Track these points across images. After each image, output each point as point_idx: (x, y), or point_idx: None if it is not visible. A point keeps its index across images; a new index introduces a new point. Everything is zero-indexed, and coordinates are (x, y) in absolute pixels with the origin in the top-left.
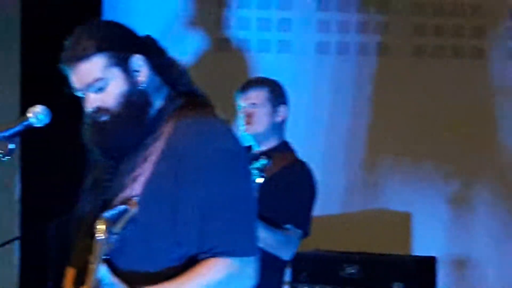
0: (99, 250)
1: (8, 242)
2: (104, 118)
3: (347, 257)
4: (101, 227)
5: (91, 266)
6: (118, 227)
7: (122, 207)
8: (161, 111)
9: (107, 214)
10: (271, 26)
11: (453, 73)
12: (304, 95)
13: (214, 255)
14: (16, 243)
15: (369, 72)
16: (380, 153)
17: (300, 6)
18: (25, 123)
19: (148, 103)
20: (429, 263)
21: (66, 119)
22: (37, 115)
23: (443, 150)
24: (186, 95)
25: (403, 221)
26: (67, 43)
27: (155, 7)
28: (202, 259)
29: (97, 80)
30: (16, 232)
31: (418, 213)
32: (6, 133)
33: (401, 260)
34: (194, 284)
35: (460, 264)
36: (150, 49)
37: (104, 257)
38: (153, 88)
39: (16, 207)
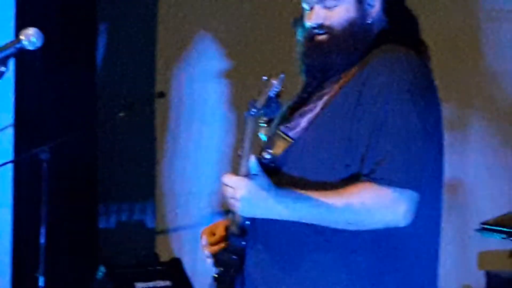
0: (249, 128)
1: (1, 166)
2: (323, 36)
3: None
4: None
5: (242, 150)
6: (261, 102)
7: (264, 78)
8: (371, 44)
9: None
10: None
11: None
12: None
13: (372, 180)
14: (10, 166)
15: None
16: None
17: None
18: (18, 45)
19: (367, 38)
20: None
21: (63, 43)
22: (30, 37)
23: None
24: (401, 36)
25: None
26: None
27: None
28: (361, 182)
29: None
30: (10, 156)
31: None
32: None
33: None
34: (340, 201)
35: (452, 188)
36: None
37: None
38: (378, 25)
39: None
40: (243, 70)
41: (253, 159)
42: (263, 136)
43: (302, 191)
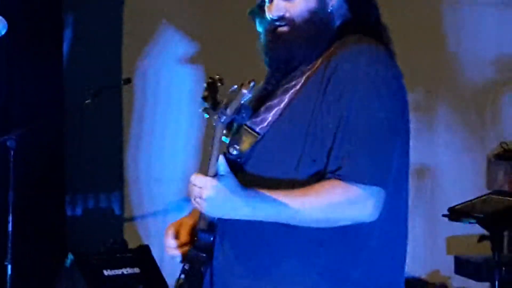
0: (217, 133)
1: None
2: (284, 28)
3: None
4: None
5: (211, 151)
6: (231, 109)
7: (234, 87)
8: (335, 35)
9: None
10: None
11: None
12: None
13: (338, 176)
14: None
15: None
16: None
17: None
18: None
19: (329, 27)
20: None
21: (29, 32)
22: None
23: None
24: (364, 26)
25: None
26: None
27: None
28: (327, 179)
29: None
30: None
31: None
32: None
33: None
34: (309, 200)
35: (420, 173)
36: None
37: (223, 140)
38: (338, 14)
39: None
40: (208, 57)
41: (221, 160)
42: (226, 139)
43: (270, 191)
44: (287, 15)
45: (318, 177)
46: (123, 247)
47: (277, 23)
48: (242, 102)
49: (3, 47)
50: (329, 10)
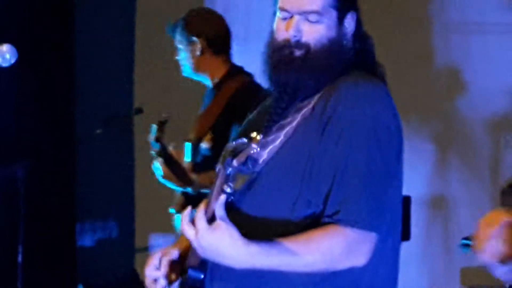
0: (218, 181)
1: None
2: (299, 53)
3: None
4: (223, 156)
5: (210, 195)
6: (239, 161)
7: (243, 140)
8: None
9: (231, 144)
10: None
11: None
12: None
13: (336, 221)
14: None
15: None
16: None
17: None
18: None
19: (341, 60)
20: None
21: (40, 59)
22: (4, 54)
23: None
24: (363, 65)
25: None
26: None
27: None
28: (324, 223)
29: (314, 12)
30: None
31: None
32: None
33: None
34: (309, 250)
35: (435, 204)
36: (358, 11)
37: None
38: (348, 48)
39: None
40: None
41: (220, 204)
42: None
43: (272, 242)
44: (303, 39)
45: (313, 218)
46: (134, 278)
47: (293, 47)
48: (250, 154)
49: (13, 76)
50: (344, 42)
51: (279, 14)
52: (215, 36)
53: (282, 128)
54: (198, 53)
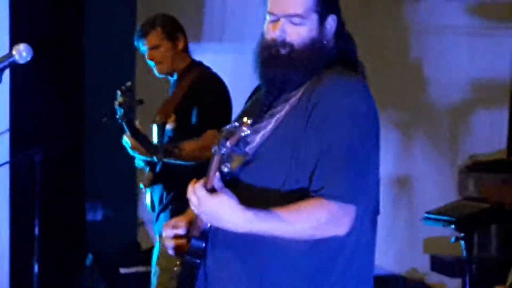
0: (215, 159)
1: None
2: (284, 51)
3: None
4: (217, 138)
5: (209, 168)
6: (232, 141)
7: (235, 124)
8: (324, 65)
9: (225, 128)
10: None
11: None
12: None
13: (321, 195)
14: (7, 167)
15: None
16: None
17: None
18: (10, 59)
19: (323, 57)
20: None
21: (53, 55)
22: (21, 52)
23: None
24: (345, 61)
25: None
26: None
27: None
28: (311, 196)
29: (298, 15)
30: (7, 158)
31: None
32: None
33: None
34: (299, 218)
35: (401, 182)
36: (340, 14)
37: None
38: (329, 46)
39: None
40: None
41: (218, 177)
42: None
43: (266, 210)
44: (288, 39)
45: (301, 193)
46: (136, 248)
47: (279, 46)
48: (242, 135)
49: (30, 71)
50: (325, 42)
51: (268, 17)
52: (185, 33)
53: (272, 116)
54: (180, 47)
